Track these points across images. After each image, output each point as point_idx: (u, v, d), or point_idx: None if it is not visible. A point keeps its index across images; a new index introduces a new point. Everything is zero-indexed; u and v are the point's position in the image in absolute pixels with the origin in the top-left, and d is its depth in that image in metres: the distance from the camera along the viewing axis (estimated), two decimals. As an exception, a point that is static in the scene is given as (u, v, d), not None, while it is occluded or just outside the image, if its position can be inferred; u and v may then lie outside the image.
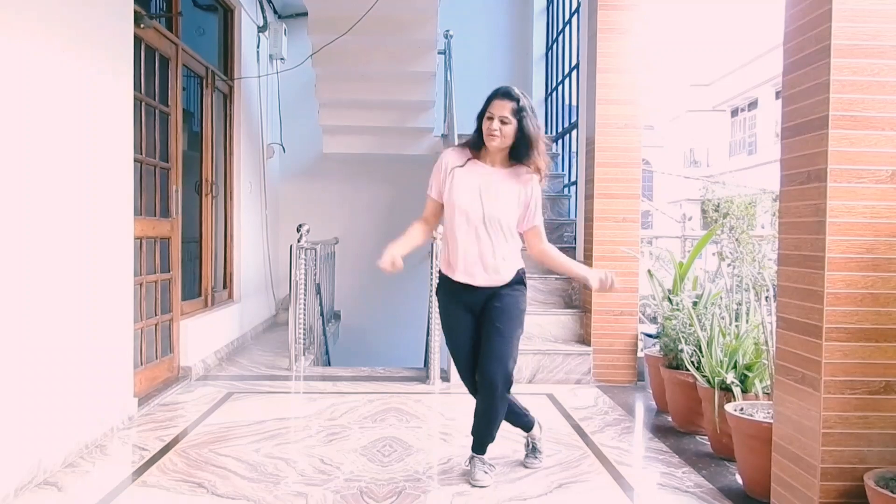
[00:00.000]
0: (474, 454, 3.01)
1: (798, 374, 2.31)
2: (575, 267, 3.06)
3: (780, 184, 2.51)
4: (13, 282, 2.66)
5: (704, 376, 3.31)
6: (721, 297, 3.92)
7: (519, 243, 2.97)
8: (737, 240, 3.25)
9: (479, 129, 2.84)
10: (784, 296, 2.44)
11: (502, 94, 2.78)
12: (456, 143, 5.65)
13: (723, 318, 3.52)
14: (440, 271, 3.02)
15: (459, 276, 2.89)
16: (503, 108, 2.75)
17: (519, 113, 2.74)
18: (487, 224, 2.81)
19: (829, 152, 2.22)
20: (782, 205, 2.50)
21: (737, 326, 3.41)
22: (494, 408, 2.92)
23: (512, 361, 2.88)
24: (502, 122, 2.74)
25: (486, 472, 2.96)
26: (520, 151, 2.80)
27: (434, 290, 2.98)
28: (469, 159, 2.89)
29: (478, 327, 2.93)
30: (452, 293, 2.95)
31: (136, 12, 3.79)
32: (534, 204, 2.90)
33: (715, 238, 4.45)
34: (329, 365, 6.69)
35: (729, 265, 3.47)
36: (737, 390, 3.10)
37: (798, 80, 2.42)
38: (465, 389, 4.53)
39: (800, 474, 2.28)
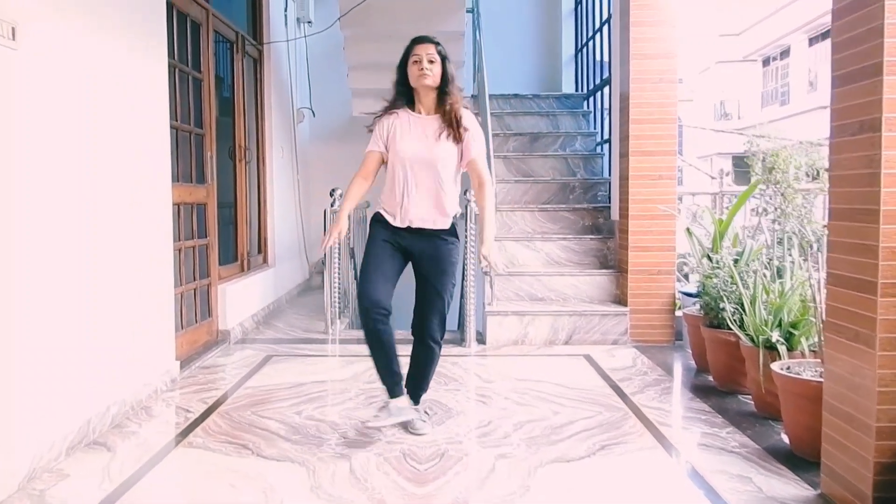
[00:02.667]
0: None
1: (851, 332, 2.25)
2: (483, 230, 2.97)
3: (830, 135, 2.42)
4: (67, 248, 2.70)
5: (748, 335, 3.26)
6: (762, 254, 3.85)
7: (458, 189, 3.06)
8: (782, 194, 3.16)
9: (401, 84, 2.98)
10: (835, 251, 2.37)
11: (423, 39, 2.93)
12: (487, 102, 5.59)
13: (764, 274, 3.46)
14: (377, 212, 3.06)
15: (399, 221, 2.96)
16: (428, 48, 2.89)
17: (441, 54, 2.90)
18: (427, 169, 2.92)
19: (884, 100, 2.12)
20: (832, 157, 2.42)
21: (781, 283, 3.34)
22: (431, 357, 3.06)
23: (445, 311, 3.03)
24: (430, 62, 2.87)
25: (424, 421, 3.10)
26: (444, 90, 2.90)
27: (370, 225, 3.10)
28: (405, 112, 2.99)
29: (401, 266, 3.03)
30: (388, 229, 3.00)
31: (165, -23, 3.76)
32: (474, 138, 2.98)
33: (754, 193, 4.35)
34: (364, 328, 6.73)
35: (773, 221, 3.39)
36: (782, 349, 3.05)
37: (849, 26, 2.32)
38: (502, 352, 4.60)
39: (853, 434, 2.23)
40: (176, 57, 4.03)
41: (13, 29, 2.38)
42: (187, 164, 4.26)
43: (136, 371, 3.35)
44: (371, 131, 3.06)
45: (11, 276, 2.41)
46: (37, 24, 2.53)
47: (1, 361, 2.36)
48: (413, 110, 2.99)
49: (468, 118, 2.99)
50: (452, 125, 2.92)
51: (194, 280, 4.38)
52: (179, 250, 4.08)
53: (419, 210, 2.94)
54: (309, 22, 7.29)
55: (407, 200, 2.94)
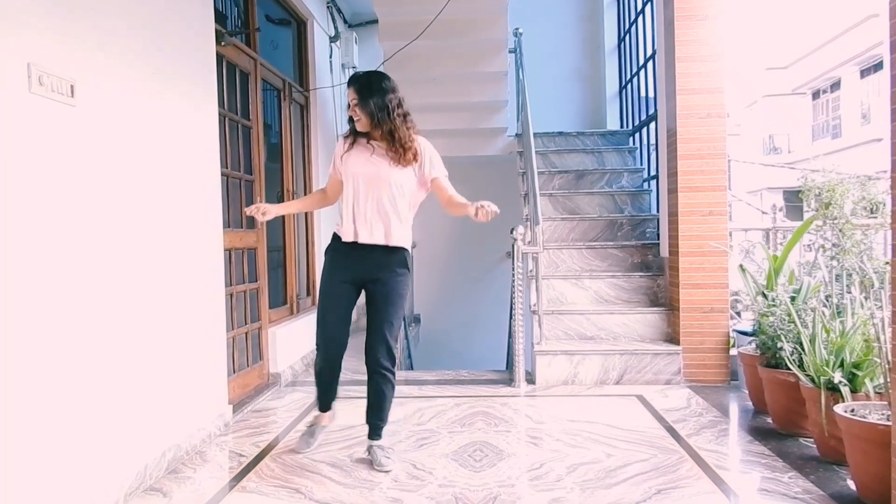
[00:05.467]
0: (371, 442, 3.23)
1: (919, 373, 2.16)
2: (463, 205, 3.15)
3: (891, 169, 2.36)
4: (124, 297, 2.77)
5: (808, 375, 3.16)
6: (820, 291, 3.74)
7: (410, 217, 3.20)
8: (840, 230, 3.08)
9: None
10: (899, 289, 2.30)
11: (349, 82, 3.10)
12: (532, 141, 5.61)
13: (823, 313, 3.35)
14: (333, 234, 3.24)
15: (349, 236, 3.12)
16: (351, 93, 3.07)
17: (358, 92, 3.04)
18: (377, 186, 3.07)
19: (946, 135, 2.07)
20: (894, 192, 2.35)
21: (841, 322, 3.23)
22: (382, 388, 3.17)
23: (393, 341, 3.16)
24: (355, 105, 3.05)
25: (388, 457, 3.16)
26: (376, 123, 3.03)
27: (325, 251, 3.33)
28: (358, 140, 3.15)
29: (355, 299, 3.22)
30: (341, 255, 3.17)
31: (216, 31, 3.88)
32: (427, 160, 3.15)
33: (809, 228, 4.24)
34: (412, 368, 6.72)
35: (832, 258, 3.29)
36: (845, 390, 2.94)
37: (906, 59, 2.27)
38: (552, 392, 4.54)
39: (925, 480, 2.13)
40: (226, 106, 4.15)
41: (72, 86, 2.48)
42: (238, 210, 4.35)
43: (191, 416, 3.40)
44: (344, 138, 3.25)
45: (79, 325, 2.48)
46: (94, 81, 2.63)
47: (64, 408, 2.41)
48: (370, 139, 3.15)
49: (420, 142, 3.14)
50: (398, 150, 3.05)
51: (245, 324, 4.44)
52: (231, 295, 4.15)
53: (367, 226, 3.09)
54: (353, 67, 7.46)
55: (357, 215, 3.10)
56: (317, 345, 3.28)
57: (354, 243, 3.12)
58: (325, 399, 3.43)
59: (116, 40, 2.80)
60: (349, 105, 3.10)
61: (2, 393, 2.13)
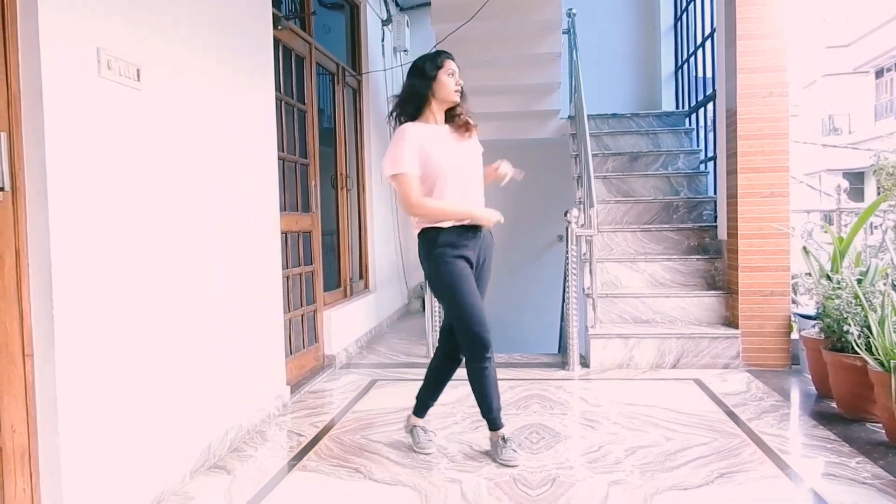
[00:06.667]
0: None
1: None
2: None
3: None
4: (191, 280, 2.83)
5: (877, 359, 3.06)
6: (888, 273, 3.62)
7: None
8: (913, 210, 2.96)
9: (420, 92, 2.98)
10: (979, 269, 2.20)
11: (451, 55, 3.05)
12: (585, 123, 5.52)
13: (891, 295, 3.24)
14: (429, 231, 2.95)
15: (461, 221, 2.95)
16: (454, 64, 3.02)
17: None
18: (469, 174, 3.02)
19: None
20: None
21: (913, 304, 3.12)
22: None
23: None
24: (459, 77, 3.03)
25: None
26: (459, 105, 3.04)
27: (433, 250, 2.95)
28: (419, 125, 3.00)
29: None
30: (454, 246, 2.93)
31: (273, 15, 3.92)
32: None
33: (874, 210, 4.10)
34: (463, 351, 6.72)
35: (903, 237, 3.17)
36: (917, 374, 2.84)
37: None
38: (606, 376, 4.50)
39: None
40: (282, 90, 4.20)
41: (138, 70, 2.53)
42: (293, 194, 4.41)
43: (251, 396, 3.47)
44: (391, 119, 3.13)
45: (151, 308, 2.55)
46: (157, 66, 2.68)
47: (139, 388, 2.49)
48: (427, 122, 3.02)
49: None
50: (463, 126, 3.02)
51: (301, 306, 4.50)
52: (287, 277, 4.21)
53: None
54: (405, 51, 7.46)
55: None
56: (473, 344, 2.92)
57: (465, 227, 2.95)
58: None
59: (180, 25, 2.85)
60: (450, 73, 2.97)
61: (87, 374, 2.21)
